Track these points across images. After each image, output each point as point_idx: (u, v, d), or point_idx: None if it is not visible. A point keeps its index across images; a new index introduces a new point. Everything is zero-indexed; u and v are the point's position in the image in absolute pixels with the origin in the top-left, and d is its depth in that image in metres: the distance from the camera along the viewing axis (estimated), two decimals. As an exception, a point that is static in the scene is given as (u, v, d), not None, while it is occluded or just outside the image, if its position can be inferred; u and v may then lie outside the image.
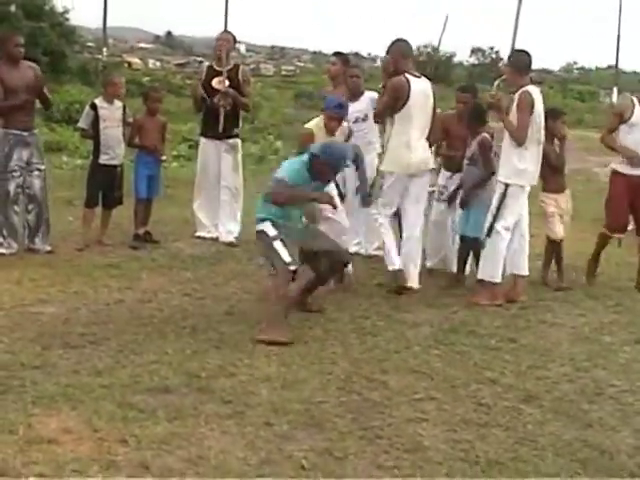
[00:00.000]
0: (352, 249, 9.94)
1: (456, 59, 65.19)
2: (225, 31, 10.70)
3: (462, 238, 8.94)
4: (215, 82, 10.32)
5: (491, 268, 8.20)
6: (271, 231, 7.23)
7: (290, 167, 7.46)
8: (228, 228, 10.56)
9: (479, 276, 8.29)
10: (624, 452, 5.20)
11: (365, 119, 9.94)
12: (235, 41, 10.87)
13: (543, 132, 8.28)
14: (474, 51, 69.71)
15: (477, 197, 8.65)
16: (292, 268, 7.09)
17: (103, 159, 9.83)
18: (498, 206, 8.15)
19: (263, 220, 7.33)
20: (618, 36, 58.45)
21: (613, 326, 7.77)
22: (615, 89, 52.01)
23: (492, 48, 69.18)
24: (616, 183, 8.85)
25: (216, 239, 10.51)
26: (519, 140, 8.03)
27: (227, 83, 10.27)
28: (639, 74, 61.48)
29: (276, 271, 7.16)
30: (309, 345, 6.80)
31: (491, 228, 8.16)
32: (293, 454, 4.89)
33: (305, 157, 7.38)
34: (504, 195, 8.13)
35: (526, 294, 8.51)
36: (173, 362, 6.21)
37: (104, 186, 9.92)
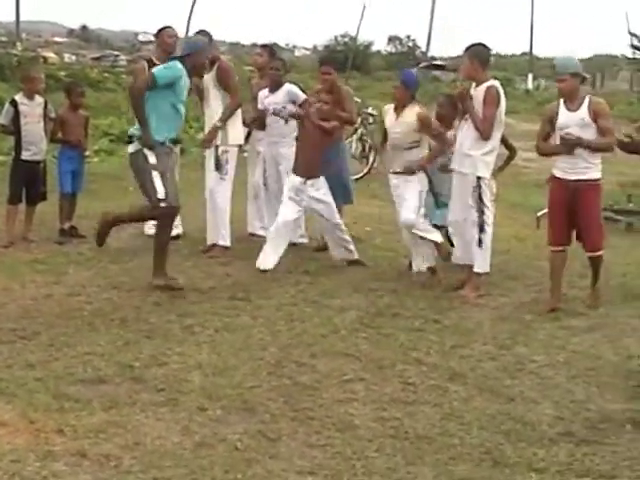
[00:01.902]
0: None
1: (374, 48, 65.49)
2: (170, 27, 10.57)
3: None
4: None
5: (484, 260, 8.31)
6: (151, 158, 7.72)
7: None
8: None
9: (475, 270, 8.32)
10: (545, 422, 5.46)
11: (279, 112, 10.05)
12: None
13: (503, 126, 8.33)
14: (391, 39, 70.09)
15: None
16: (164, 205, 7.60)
17: (25, 155, 9.80)
18: (479, 199, 8.20)
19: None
20: (531, 23, 59.59)
21: (533, 305, 8.02)
22: (530, 75, 52.93)
23: (409, 37, 69.63)
24: (553, 190, 8.17)
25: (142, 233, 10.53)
26: (485, 134, 8.08)
27: None
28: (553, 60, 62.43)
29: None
30: (238, 332, 6.92)
31: (482, 223, 8.22)
32: (227, 437, 5.04)
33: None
34: (479, 188, 8.19)
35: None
36: (105, 353, 6.30)
37: (27, 182, 9.89)
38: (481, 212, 8.15)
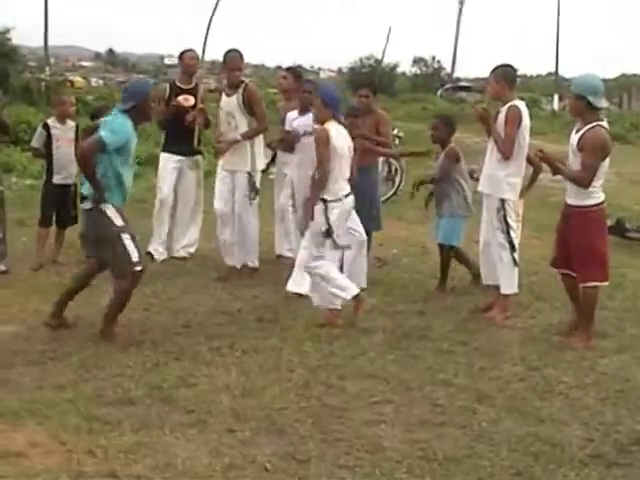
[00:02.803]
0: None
1: (399, 69, 65.61)
2: (191, 50, 10.74)
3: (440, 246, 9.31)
4: (181, 99, 10.43)
5: (511, 281, 8.29)
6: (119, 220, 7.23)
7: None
8: (183, 244, 10.69)
9: (503, 291, 8.29)
10: (575, 444, 5.44)
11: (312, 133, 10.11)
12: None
13: (527, 146, 8.26)
14: (416, 61, 70.23)
15: (449, 205, 9.07)
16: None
17: (56, 179, 9.91)
18: (504, 221, 8.19)
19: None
20: (557, 43, 59.43)
21: (561, 326, 7.99)
22: (556, 96, 52.85)
23: (434, 58, 69.80)
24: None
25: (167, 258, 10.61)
26: (506, 153, 8.05)
27: (193, 101, 10.40)
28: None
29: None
30: (266, 354, 6.95)
31: (507, 245, 8.21)
32: (257, 458, 5.06)
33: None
34: (503, 209, 8.18)
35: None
36: (135, 375, 6.35)
37: (58, 205, 10.00)
38: (506, 233, 8.15)
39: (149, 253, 10.59)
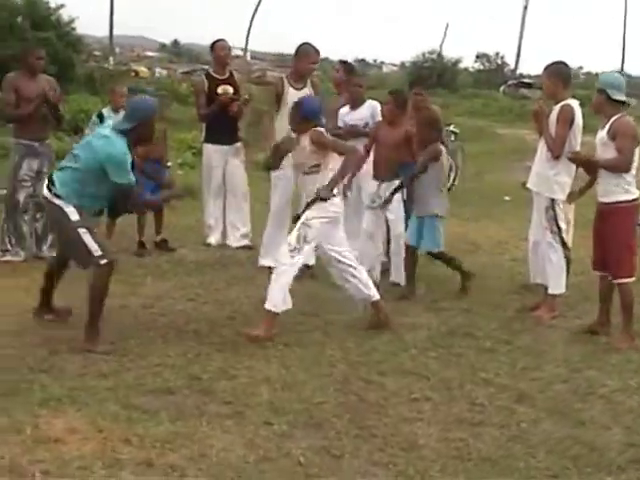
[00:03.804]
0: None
1: (462, 65, 65.14)
2: (222, 40, 10.84)
3: (410, 249, 8.91)
4: (220, 90, 10.49)
5: (559, 281, 8.23)
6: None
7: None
8: (242, 232, 10.75)
9: (550, 291, 8.25)
10: (614, 449, 5.37)
11: (365, 128, 10.09)
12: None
13: (579, 147, 8.15)
14: (479, 57, 69.67)
15: (427, 207, 8.80)
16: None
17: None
18: (553, 220, 8.14)
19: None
20: (624, 39, 58.59)
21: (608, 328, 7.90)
22: (620, 94, 52.03)
23: (497, 53, 69.19)
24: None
25: (224, 245, 10.70)
26: (555, 152, 7.99)
27: (231, 90, 10.46)
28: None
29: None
30: (308, 348, 6.96)
31: (556, 244, 8.16)
32: (291, 452, 5.07)
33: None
34: (553, 209, 8.13)
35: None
36: (176, 365, 6.39)
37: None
38: (555, 233, 8.08)
39: (208, 244, 10.69)
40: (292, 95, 9.28)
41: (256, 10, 11.29)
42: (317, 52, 9.59)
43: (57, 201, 6.74)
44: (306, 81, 9.58)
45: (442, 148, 8.82)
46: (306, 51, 9.52)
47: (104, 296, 6.81)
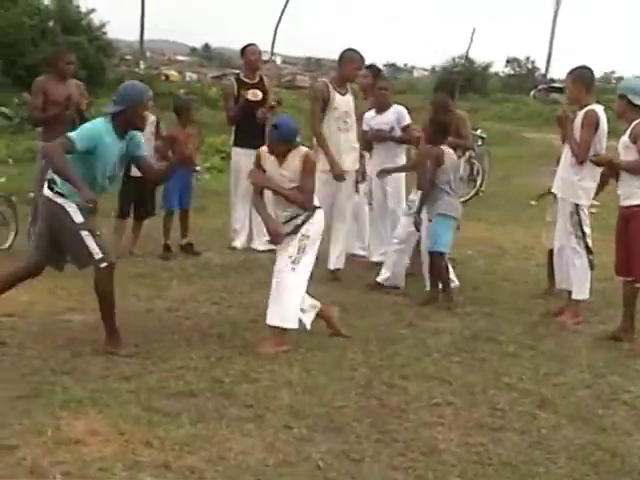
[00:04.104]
0: (376, 258, 10.16)
1: (492, 69, 64.93)
2: (253, 44, 10.91)
3: (430, 255, 8.84)
4: (250, 94, 10.55)
5: (583, 287, 8.20)
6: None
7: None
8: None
9: (574, 296, 8.23)
10: (636, 455, 5.35)
11: (391, 132, 10.11)
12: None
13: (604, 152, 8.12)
14: (510, 61, 69.43)
15: (433, 211, 8.75)
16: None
17: (135, 172, 10.03)
18: (578, 226, 8.11)
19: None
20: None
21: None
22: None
23: (528, 58, 68.93)
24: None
25: (249, 248, 10.74)
26: (580, 158, 7.95)
27: (261, 95, 10.51)
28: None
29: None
30: (330, 352, 6.97)
31: (581, 250, 8.13)
32: (310, 456, 5.06)
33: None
34: (577, 214, 8.10)
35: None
36: (198, 368, 6.41)
37: (136, 198, 10.15)
38: (579, 238, 8.04)
39: (234, 248, 10.73)
40: (338, 100, 9.30)
41: (282, 15, 11.37)
42: (362, 58, 9.54)
43: (59, 200, 6.67)
44: (347, 87, 9.53)
45: (446, 151, 8.76)
46: (351, 57, 9.45)
47: (111, 298, 6.79)
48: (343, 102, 9.34)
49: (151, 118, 10.22)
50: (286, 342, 7.03)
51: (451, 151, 8.79)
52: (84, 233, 6.61)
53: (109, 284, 6.74)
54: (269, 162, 7.16)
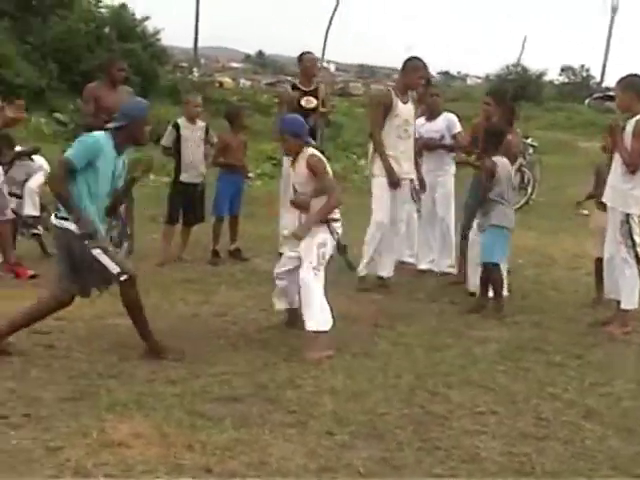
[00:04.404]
0: (424, 266, 10.16)
1: (546, 78, 64.41)
2: (309, 52, 10.96)
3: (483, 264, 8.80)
4: (304, 102, 10.61)
5: (632, 296, 8.13)
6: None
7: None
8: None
9: (623, 306, 8.16)
10: (682, 468, 5.27)
11: (441, 140, 10.10)
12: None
13: None
14: (564, 69, 68.82)
15: (486, 222, 8.71)
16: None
17: (184, 177, 10.15)
18: (628, 235, 8.05)
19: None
20: None
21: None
22: None
23: (582, 66, 68.31)
24: None
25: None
26: (631, 167, 7.90)
27: (315, 103, 10.56)
28: None
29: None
30: (375, 359, 6.97)
31: (630, 259, 8.05)
32: (352, 462, 5.06)
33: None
34: (628, 223, 8.05)
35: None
36: (243, 373, 6.45)
37: (185, 204, 10.23)
38: (630, 247, 7.97)
39: (282, 254, 10.74)
40: (400, 108, 9.25)
41: (331, 21, 11.40)
42: (425, 66, 9.50)
43: (65, 224, 6.63)
44: (409, 94, 9.49)
45: (500, 161, 8.69)
46: (415, 65, 9.38)
47: (140, 308, 6.80)
48: (405, 110, 9.29)
49: (200, 124, 10.33)
50: (329, 347, 7.06)
51: (505, 161, 8.72)
52: (96, 252, 6.60)
53: (134, 293, 6.76)
54: (287, 166, 7.22)
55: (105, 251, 6.64)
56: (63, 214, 6.63)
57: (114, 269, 6.62)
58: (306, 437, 5.38)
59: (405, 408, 5.95)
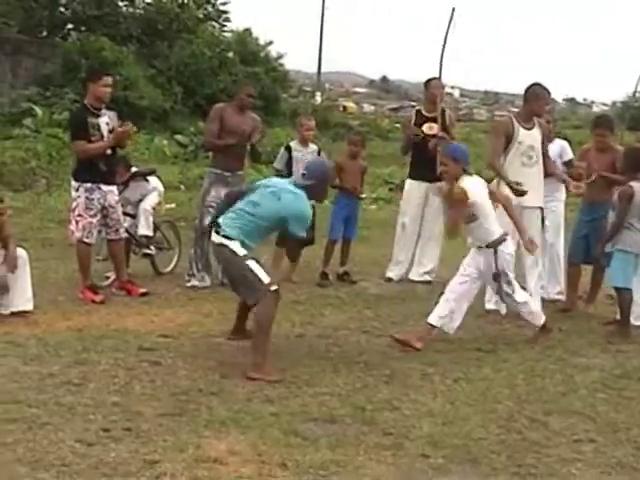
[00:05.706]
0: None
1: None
2: (437, 78, 10.96)
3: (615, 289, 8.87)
4: (426, 128, 10.68)
5: None
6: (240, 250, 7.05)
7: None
8: (426, 269, 10.83)
9: None
10: None
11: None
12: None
13: None
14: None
15: (612, 246, 8.70)
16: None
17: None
18: None
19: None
20: None
21: None
22: None
23: None
24: None
25: (405, 279, 10.81)
26: None
27: (436, 129, 10.59)
28: None
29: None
30: (476, 383, 6.95)
31: None
32: (444, 486, 5.09)
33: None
34: None
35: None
36: (342, 394, 6.51)
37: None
38: None
39: (389, 279, 10.81)
40: (522, 135, 9.15)
41: (444, 47, 11.36)
42: (549, 93, 9.44)
43: (225, 241, 7.02)
44: (535, 121, 9.43)
45: (638, 187, 8.61)
46: (539, 93, 9.29)
47: (270, 325, 7.01)
48: (528, 137, 9.20)
49: (312, 147, 10.47)
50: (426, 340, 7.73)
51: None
52: (250, 262, 6.95)
53: (273, 310, 7.02)
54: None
55: (257, 262, 7.02)
56: (225, 233, 7.04)
57: (265, 278, 6.95)
58: (400, 459, 5.41)
59: (502, 434, 5.92)
